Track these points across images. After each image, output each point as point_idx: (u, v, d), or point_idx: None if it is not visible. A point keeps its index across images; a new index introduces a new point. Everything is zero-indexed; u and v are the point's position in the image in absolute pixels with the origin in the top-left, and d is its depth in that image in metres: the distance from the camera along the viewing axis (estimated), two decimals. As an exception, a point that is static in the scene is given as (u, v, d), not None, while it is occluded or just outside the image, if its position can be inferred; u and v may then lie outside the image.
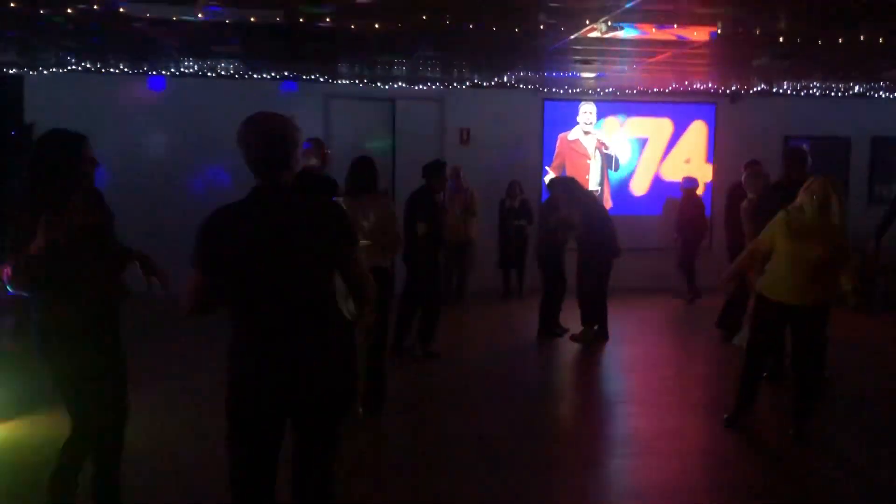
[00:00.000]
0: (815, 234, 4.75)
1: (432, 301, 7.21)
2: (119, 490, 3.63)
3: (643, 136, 11.53)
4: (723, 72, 9.69)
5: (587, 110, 11.37)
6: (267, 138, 2.65)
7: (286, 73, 9.89)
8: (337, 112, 10.60)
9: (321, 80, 10.26)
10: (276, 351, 2.59)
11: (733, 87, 11.00)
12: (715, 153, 11.62)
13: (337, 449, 2.84)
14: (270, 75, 9.94)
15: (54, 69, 9.38)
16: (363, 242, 5.16)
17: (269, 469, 2.70)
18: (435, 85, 10.69)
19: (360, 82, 10.47)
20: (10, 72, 8.89)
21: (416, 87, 10.73)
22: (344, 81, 10.44)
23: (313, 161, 5.79)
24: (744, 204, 6.95)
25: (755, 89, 10.97)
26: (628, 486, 4.46)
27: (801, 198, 4.86)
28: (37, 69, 9.33)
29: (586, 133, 11.38)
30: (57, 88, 9.56)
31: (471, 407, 5.83)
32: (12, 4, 5.69)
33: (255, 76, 9.91)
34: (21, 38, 7.48)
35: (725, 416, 5.35)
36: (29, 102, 8.02)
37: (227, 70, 9.53)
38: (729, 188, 8.32)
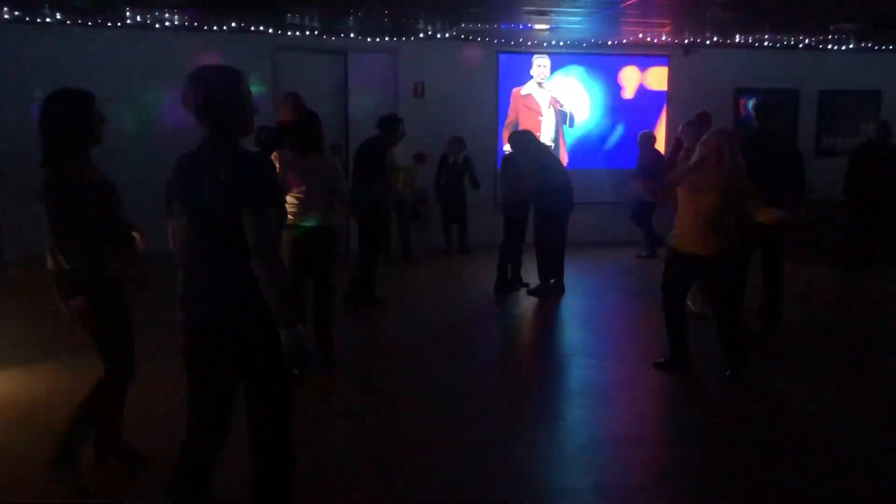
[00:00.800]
0: (710, 186, 5.02)
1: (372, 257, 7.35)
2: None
3: (599, 90, 11.52)
4: (676, 24, 9.67)
5: (540, 63, 11.28)
6: (208, 93, 2.67)
7: (233, 24, 9.56)
8: (286, 65, 10.30)
9: (269, 31, 9.94)
10: (187, 292, 2.75)
11: (687, 40, 11.01)
12: (668, 105, 11.67)
13: (282, 401, 2.83)
14: (216, 27, 9.60)
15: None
16: (291, 197, 5.15)
17: (219, 413, 2.82)
18: (388, 37, 10.47)
19: (309, 33, 10.18)
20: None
21: (369, 40, 10.49)
22: (293, 33, 10.14)
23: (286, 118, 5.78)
24: (681, 155, 7.07)
25: (708, 42, 11.00)
26: (586, 436, 4.51)
27: (696, 152, 5.16)
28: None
29: (540, 85, 11.30)
30: (22, 40, 9.12)
31: (427, 361, 5.83)
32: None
33: (202, 27, 9.56)
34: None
35: (656, 361, 5.58)
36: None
37: (171, 21, 9.17)
38: (674, 141, 8.40)
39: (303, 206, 5.20)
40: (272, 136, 6.00)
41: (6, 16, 8.78)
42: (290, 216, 5.02)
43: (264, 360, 2.72)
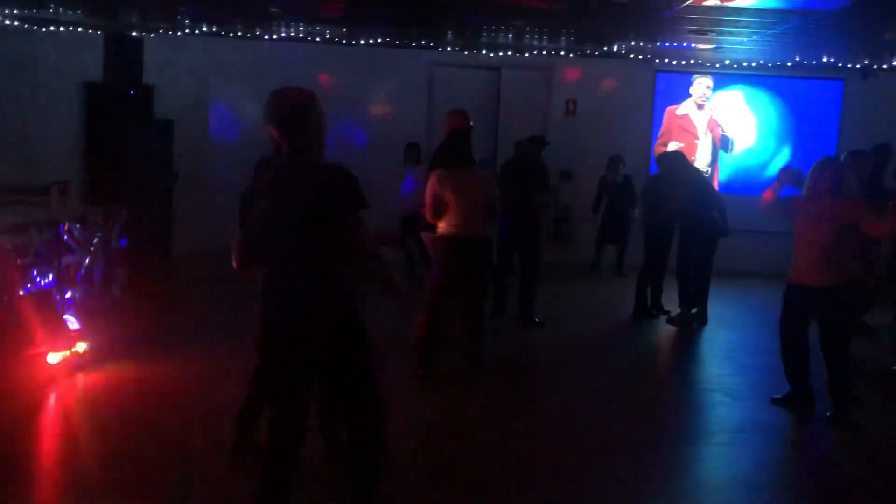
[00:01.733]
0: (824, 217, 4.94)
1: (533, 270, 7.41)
2: None
3: (765, 113, 10.92)
4: (853, 46, 8.99)
5: (701, 83, 10.84)
6: (290, 110, 2.94)
7: (389, 39, 9.90)
8: (441, 80, 10.55)
9: (428, 46, 10.22)
10: (280, 295, 2.96)
11: (865, 62, 10.21)
12: (841, 134, 10.85)
13: (367, 395, 3.03)
14: (374, 41, 9.98)
15: (171, 32, 9.75)
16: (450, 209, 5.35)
17: (300, 407, 3.02)
18: (542, 53, 10.47)
19: (465, 50, 10.36)
20: (131, 34, 9.29)
21: (526, 55, 10.52)
22: (450, 49, 10.37)
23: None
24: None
25: (885, 66, 10.15)
26: (715, 473, 4.31)
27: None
28: (155, 31, 9.73)
29: (699, 107, 10.87)
30: (174, 51, 9.96)
31: (553, 385, 5.75)
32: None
33: (360, 42, 9.98)
34: (141, 2, 7.81)
35: (774, 397, 5.39)
36: (147, 64, 8.36)
37: (331, 35, 9.63)
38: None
39: (459, 218, 5.40)
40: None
41: (198, 30, 9.58)
42: (451, 227, 5.28)
43: (352, 348, 2.96)
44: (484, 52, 10.35)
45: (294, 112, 2.91)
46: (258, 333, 3.06)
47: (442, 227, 5.52)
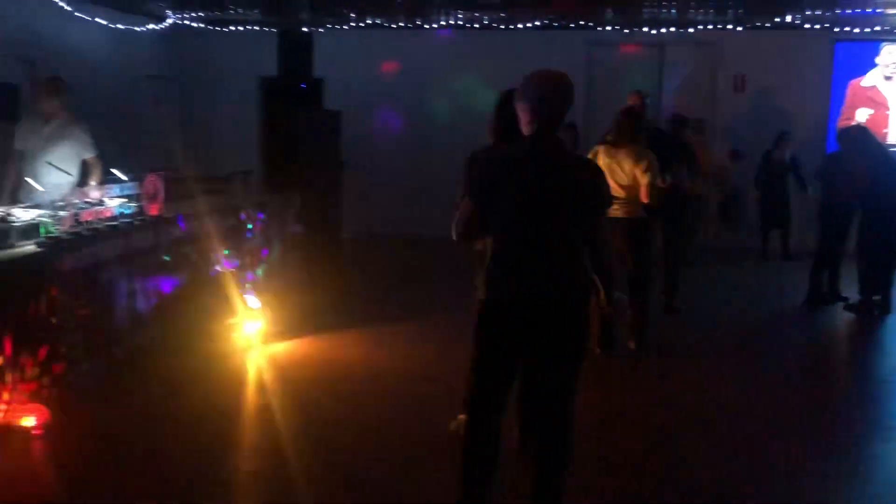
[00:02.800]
0: None
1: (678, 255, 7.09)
2: None
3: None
4: None
5: (892, 51, 9.94)
6: (559, 94, 2.93)
7: (548, 22, 9.84)
8: (600, 60, 10.36)
9: (586, 26, 10.07)
10: (521, 281, 2.88)
11: None
12: None
13: (572, 390, 2.98)
14: (532, 24, 9.95)
15: (338, 26, 10.22)
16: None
17: (503, 389, 2.98)
18: (708, 27, 10.01)
19: (626, 28, 10.11)
20: (303, 30, 9.83)
21: (691, 30, 10.11)
22: (609, 28, 10.16)
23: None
24: None
25: None
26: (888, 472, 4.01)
27: None
28: (324, 26, 10.23)
29: (887, 78, 9.99)
30: (342, 44, 10.44)
31: (719, 373, 5.54)
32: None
33: (517, 26, 9.99)
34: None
35: None
36: (317, 58, 8.82)
37: (489, 21, 9.71)
38: None
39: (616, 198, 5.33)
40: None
41: (363, 23, 9.99)
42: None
43: (577, 335, 2.95)
44: (645, 28, 10.04)
45: (551, 93, 2.90)
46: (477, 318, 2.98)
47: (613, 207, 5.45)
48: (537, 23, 9.95)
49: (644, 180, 5.42)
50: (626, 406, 4.79)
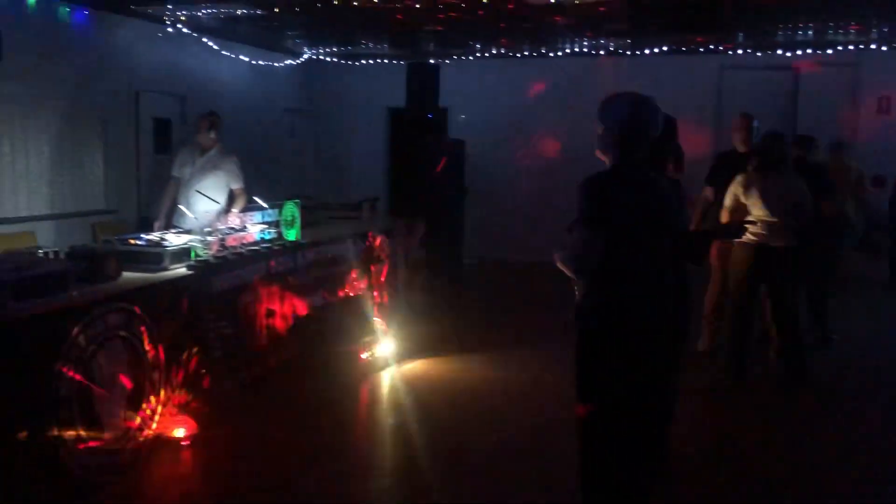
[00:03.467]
0: None
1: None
2: None
3: None
4: None
5: None
6: (644, 119, 2.88)
7: (675, 46, 9.67)
8: (731, 84, 10.06)
9: (716, 51, 9.82)
10: (636, 305, 2.83)
11: None
12: None
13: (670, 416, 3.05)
14: (659, 49, 9.81)
15: (464, 57, 10.44)
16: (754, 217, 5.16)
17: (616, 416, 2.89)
18: (848, 48, 9.53)
19: (758, 51, 9.78)
20: (429, 62, 10.12)
21: (829, 52, 9.66)
22: (741, 51, 9.86)
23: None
24: None
25: None
26: None
27: None
28: (450, 57, 10.48)
29: None
30: (467, 74, 10.65)
31: (869, 404, 5.22)
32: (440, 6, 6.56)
33: (644, 52, 9.87)
34: (438, 32, 8.49)
35: None
36: (442, 88, 9.05)
37: (615, 47, 9.65)
38: None
39: (764, 226, 5.19)
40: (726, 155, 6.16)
41: (488, 53, 10.16)
42: (750, 235, 5.10)
43: (674, 362, 2.95)
44: (780, 51, 9.69)
45: (635, 117, 2.88)
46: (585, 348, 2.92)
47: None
48: (664, 48, 9.79)
49: (804, 206, 5.24)
50: (769, 438, 4.60)
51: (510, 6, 6.81)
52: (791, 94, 9.97)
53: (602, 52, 10.00)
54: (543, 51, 10.19)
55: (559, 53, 10.29)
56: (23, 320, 3.32)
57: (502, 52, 10.25)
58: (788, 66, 9.90)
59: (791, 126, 9.85)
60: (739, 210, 5.31)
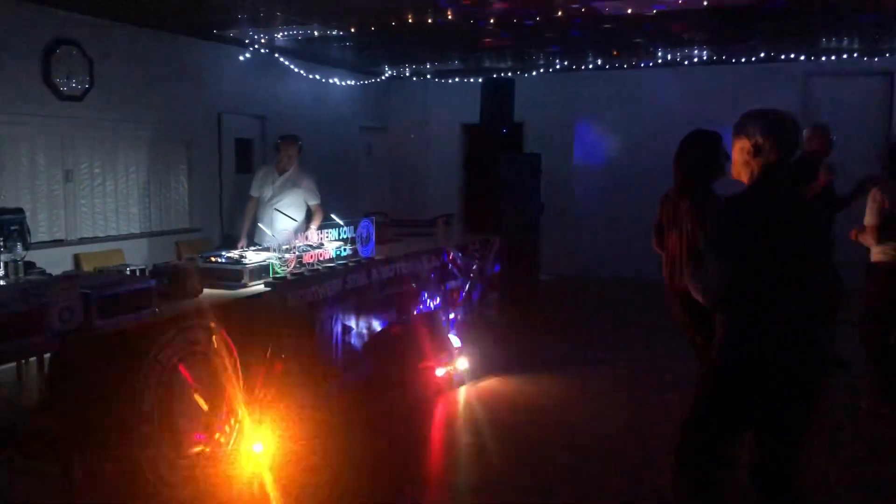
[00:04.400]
0: None
1: None
2: None
3: None
4: None
5: None
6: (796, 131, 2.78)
7: (762, 55, 9.36)
8: (817, 92, 9.67)
9: (801, 58, 9.47)
10: (780, 335, 2.66)
11: None
12: None
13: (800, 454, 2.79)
14: (744, 59, 9.51)
15: (540, 70, 10.38)
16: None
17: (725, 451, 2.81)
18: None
19: (847, 56, 9.37)
20: (504, 77, 10.09)
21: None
22: (828, 58, 9.47)
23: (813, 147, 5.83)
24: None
25: None
26: None
27: None
28: (526, 72, 10.43)
29: None
30: (541, 88, 10.59)
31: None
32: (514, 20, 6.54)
33: (730, 60, 9.59)
34: (514, 46, 8.46)
35: None
36: (518, 102, 9.01)
37: (699, 57, 9.41)
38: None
39: None
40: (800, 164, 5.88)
41: (562, 66, 10.09)
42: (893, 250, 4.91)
43: (813, 395, 2.73)
44: (876, 59, 9.27)
45: (780, 131, 2.74)
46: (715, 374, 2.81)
47: (879, 251, 4.99)
48: (753, 58, 9.50)
49: None
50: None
51: (587, 19, 6.72)
52: (887, 102, 9.51)
53: (686, 63, 9.77)
54: (620, 63, 10.04)
55: (637, 65, 10.12)
56: (109, 336, 3.43)
57: (578, 64, 10.14)
58: (881, 71, 9.45)
59: (884, 136, 9.40)
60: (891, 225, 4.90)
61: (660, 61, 9.68)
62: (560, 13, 6.44)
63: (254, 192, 6.39)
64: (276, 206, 6.23)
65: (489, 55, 9.18)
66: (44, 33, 6.49)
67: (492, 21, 6.77)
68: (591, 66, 10.22)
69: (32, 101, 6.45)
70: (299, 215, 6.30)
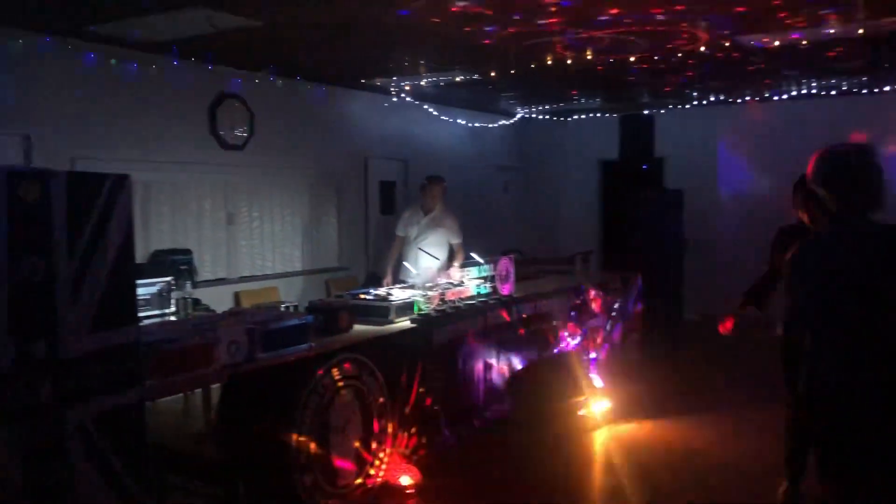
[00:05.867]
0: None
1: None
2: None
3: None
4: None
5: None
6: (837, 168, 2.69)
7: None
8: None
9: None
10: (852, 384, 2.59)
11: None
12: None
13: None
14: (888, 88, 8.93)
15: (679, 106, 10.19)
16: None
17: None
18: None
19: None
20: (643, 113, 9.99)
21: None
22: None
23: None
24: None
25: None
26: None
27: None
28: (665, 107, 10.27)
29: None
30: (682, 122, 10.37)
31: None
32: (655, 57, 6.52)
33: (875, 89, 9.04)
34: (653, 83, 8.38)
35: None
36: (659, 138, 8.90)
37: (847, 87, 8.94)
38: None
39: None
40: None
41: (706, 100, 9.88)
42: None
43: None
44: None
45: (841, 169, 2.69)
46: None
47: None
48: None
49: None
50: None
51: (734, 54, 6.58)
52: None
53: (832, 93, 9.31)
54: (766, 94, 9.69)
55: (783, 97, 9.73)
56: (270, 369, 3.67)
57: (721, 98, 9.88)
58: None
59: None
60: None
61: (803, 91, 9.27)
62: (704, 49, 6.35)
63: (399, 232, 6.65)
64: (421, 245, 6.44)
65: (628, 92, 9.13)
66: (211, 88, 7.10)
67: (632, 59, 6.76)
68: (736, 100, 9.94)
69: (200, 151, 7.04)
70: (442, 254, 6.48)
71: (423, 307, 4.86)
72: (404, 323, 4.70)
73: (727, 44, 6.22)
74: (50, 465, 2.49)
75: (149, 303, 4.93)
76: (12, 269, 2.42)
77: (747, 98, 9.86)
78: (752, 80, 8.43)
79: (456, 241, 6.48)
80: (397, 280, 6.29)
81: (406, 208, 7.01)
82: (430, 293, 5.02)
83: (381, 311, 4.69)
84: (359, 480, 4.11)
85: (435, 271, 6.18)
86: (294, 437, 3.70)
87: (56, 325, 2.53)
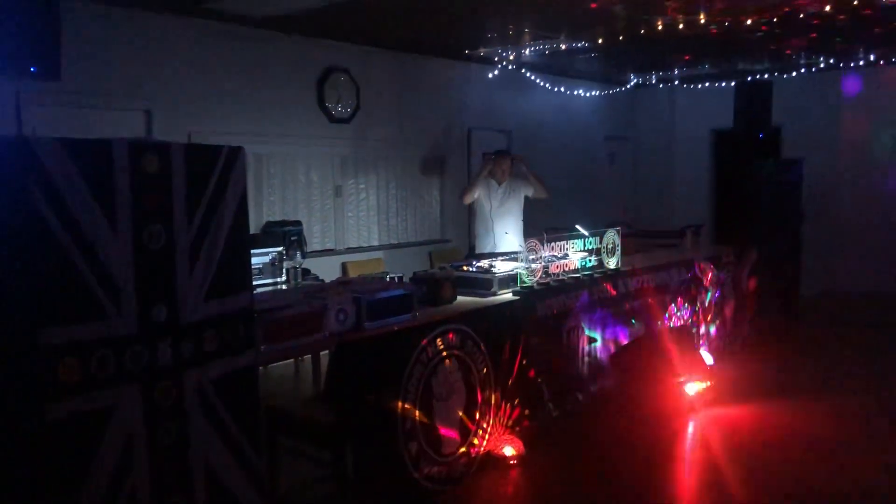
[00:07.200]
0: None
1: None
2: None
3: None
4: None
5: None
6: None
7: None
8: None
9: None
10: None
11: None
12: None
13: None
14: None
15: (801, 71, 9.63)
16: None
17: None
18: None
19: None
20: (761, 80, 9.49)
21: None
22: None
23: None
24: None
25: None
26: None
27: None
28: (784, 73, 9.72)
29: None
30: (802, 89, 9.80)
31: None
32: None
33: None
34: (772, 48, 7.94)
35: None
36: (776, 105, 8.43)
37: None
38: None
39: None
40: None
41: (824, 66, 9.31)
42: None
43: None
44: None
45: None
46: None
47: None
48: None
49: None
50: None
51: (866, 11, 6.13)
52: None
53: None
54: (889, 57, 9.02)
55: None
56: (377, 337, 3.73)
57: (844, 62, 9.26)
58: None
59: None
60: None
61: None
62: (828, 7, 5.95)
63: (477, 203, 6.59)
64: (502, 215, 6.42)
65: (743, 57, 8.69)
66: (318, 63, 7.23)
67: (749, 22, 6.41)
68: (860, 63, 9.29)
69: (308, 124, 7.20)
70: (518, 228, 6.48)
71: (526, 280, 4.82)
72: (507, 295, 4.68)
73: (856, 2, 5.80)
74: (171, 422, 2.62)
75: (261, 272, 5.11)
76: (136, 236, 2.53)
77: (872, 62, 9.21)
78: (877, 41, 7.86)
79: (529, 191, 6.46)
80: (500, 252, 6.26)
81: (479, 182, 6.71)
82: (533, 266, 4.97)
83: (484, 283, 4.68)
84: (462, 449, 4.14)
85: (520, 236, 6.26)
86: (399, 404, 3.76)
87: (175, 290, 2.64)
